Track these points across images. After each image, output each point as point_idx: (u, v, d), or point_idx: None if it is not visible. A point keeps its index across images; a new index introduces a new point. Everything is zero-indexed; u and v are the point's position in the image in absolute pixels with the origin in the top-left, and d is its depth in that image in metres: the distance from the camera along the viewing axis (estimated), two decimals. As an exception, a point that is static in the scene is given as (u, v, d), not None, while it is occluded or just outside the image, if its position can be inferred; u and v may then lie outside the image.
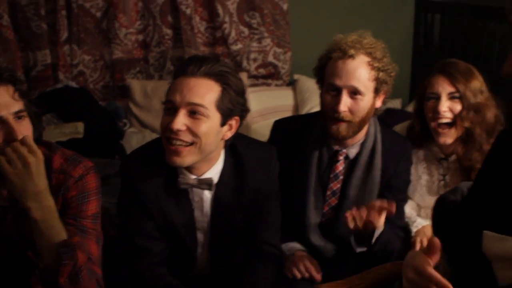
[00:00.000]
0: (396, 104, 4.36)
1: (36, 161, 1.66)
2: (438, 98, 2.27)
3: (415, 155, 2.42)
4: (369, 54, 2.04)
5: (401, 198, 2.27)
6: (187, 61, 1.85)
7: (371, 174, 2.18)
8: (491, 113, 2.29)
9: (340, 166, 2.20)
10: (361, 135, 2.18)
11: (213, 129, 1.82)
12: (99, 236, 1.85)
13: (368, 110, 2.08)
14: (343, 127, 2.07)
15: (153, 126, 3.89)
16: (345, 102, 2.03)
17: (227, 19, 4.06)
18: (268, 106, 3.99)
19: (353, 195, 2.19)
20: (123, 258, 2.02)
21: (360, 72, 2.03)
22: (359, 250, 2.10)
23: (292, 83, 4.20)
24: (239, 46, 4.11)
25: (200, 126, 1.78)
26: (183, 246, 1.97)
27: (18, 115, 1.71)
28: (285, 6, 4.10)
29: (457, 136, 2.30)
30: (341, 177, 2.21)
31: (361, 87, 2.03)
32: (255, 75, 4.18)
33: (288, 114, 3.94)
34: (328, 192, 2.22)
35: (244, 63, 4.13)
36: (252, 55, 4.15)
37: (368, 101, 2.06)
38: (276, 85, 4.19)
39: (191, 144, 1.80)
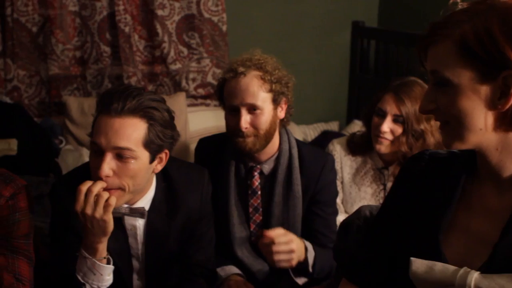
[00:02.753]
0: (333, 126, 4.45)
1: None
2: (384, 116, 2.34)
3: (353, 165, 2.48)
4: (259, 68, 2.12)
5: (331, 211, 2.33)
6: (110, 96, 1.77)
7: (291, 190, 2.23)
8: (433, 140, 2.35)
9: (256, 182, 2.25)
10: (272, 150, 2.24)
11: (141, 169, 1.79)
12: (30, 256, 1.81)
13: (271, 121, 2.15)
14: (249, 140, 2.13)
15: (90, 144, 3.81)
16: (246, 119, 2.11)
17: (166, 38, 4.05)
18: (206, 126, 4.00)
19: (277, 212, 2.24)
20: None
21: (253, 87, 2.10)
22: (301, 282, 2.13)
23: (230, 104, 4.22)
24: (178, 65, 4.11)
25: (128, 169, 1.75)
26: (118, 273, 1.91)
27: None
28: (224, 28, 4.12)
29: (393, 150, 2.37)
30: (259, 193, 2.26)
31: (257, 102, 2.10)
32: (194, 95, 4.18)
33: (226, 134, 3.95)
34: (251, 209, 2.27)
35: (183, 83, 4.13)
36: (191, 75, 4.15)
37: (268, 113, 2.14)
38: (215, 106, 4.20)
39: (119, 188, 1.76)
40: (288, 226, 2.22)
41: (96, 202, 1.65)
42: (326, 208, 2.30)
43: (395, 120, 2.35)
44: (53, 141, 3.78)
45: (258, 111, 2.11)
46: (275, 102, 2.15)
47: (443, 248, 1.26)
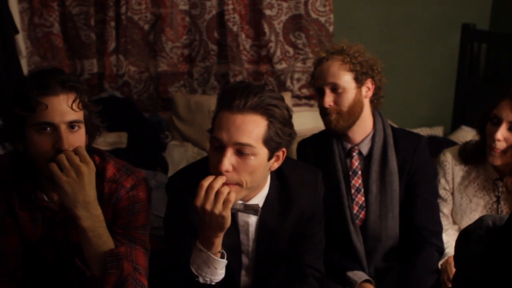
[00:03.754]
0: (438, 131, 4.34)
1: (89, 171, 1.67)
2: (498, 123, 2.24)
3: (464, 175, 2.41)
4: (341, 53, 2.25)
5: (431, 192, 2.39)
6: (231, 92, 1.77)
7: (387, 166, 2.32)
8: None
9: (356, 162, 2.35)
10: (366, 130, 2.34)
11: (260, 166, 1.79)
12: (147, 247, 1.87)
13: (354, 99, 2.26)
14: (333, 118, 2.25)
15: (195, 140, 3.90)
16: (329, 98, 2.24)
17: (273, 38, 4.09)
18: (310, 127, 3.96)
19: (375, 189, 2.32)
20: (168, 279, 1.94)
21: (333, 68, 2.25)
22: None
23: (334, 105, 4.21)
24: (283, 65, 4.14)
25: (248, 165, 1.75)
26: (227, 268, 1.88)
27: (71, 125, 1.72)
28: (331, 28, 4.12)
29: (506, 161, 2.27)
30: (359, 173, 2.35)
31: (337, 81, 2.23)
32: (298, 95, 4.19)
33: (329, 135, 3.93)
34: (353, 190, 2.34)
35: (288, 83, 4.16)
36: (296, 75, 4.17)
37: (351, 92, 2.25)
38: (319, 106, 4.20)
39: (237, 184, 1.77)
40: (386, 203, 2.30)
41: (216, 198, 1.67)
42: (428, 187, 2.36)
43: (511, 128, 2.24)
44: (160, 136, 3.89)
45: (340, 90, 2.23)
46: (358, 81, 2.26)
47: None
